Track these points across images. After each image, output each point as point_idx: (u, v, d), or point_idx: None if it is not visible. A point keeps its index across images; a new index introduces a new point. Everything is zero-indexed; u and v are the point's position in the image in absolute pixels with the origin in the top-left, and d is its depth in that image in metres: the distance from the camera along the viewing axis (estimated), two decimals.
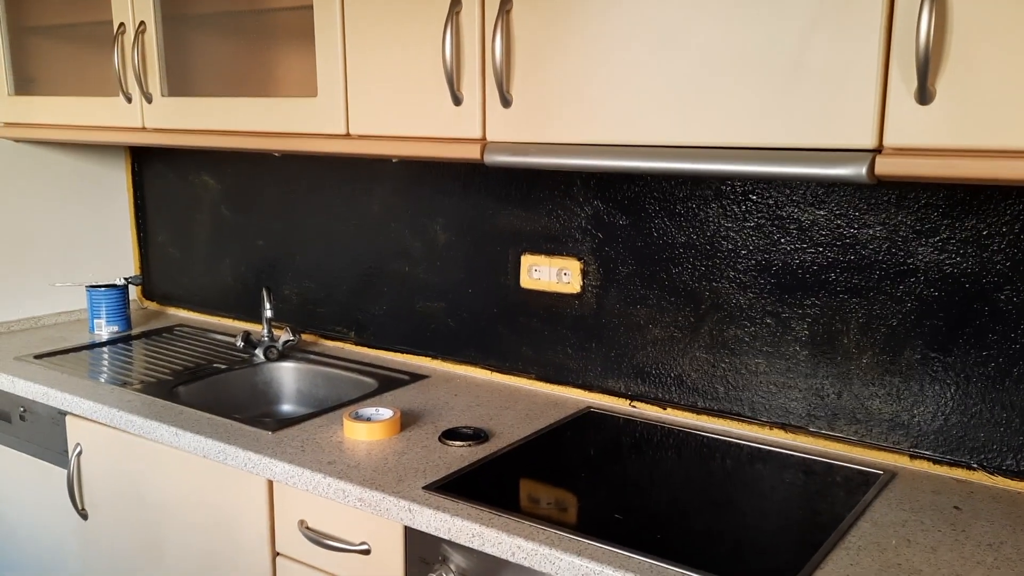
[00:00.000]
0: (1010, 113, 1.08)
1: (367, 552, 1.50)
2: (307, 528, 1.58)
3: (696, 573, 1.18)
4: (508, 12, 1.45)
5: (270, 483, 1.62)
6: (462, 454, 1.60)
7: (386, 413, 1.73)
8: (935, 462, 1.54)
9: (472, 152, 1.54)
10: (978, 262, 1.47)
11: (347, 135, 1.71)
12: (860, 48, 1.17)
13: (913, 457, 1.56)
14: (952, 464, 1.53)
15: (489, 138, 1.53)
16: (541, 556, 1.27)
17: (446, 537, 1.37)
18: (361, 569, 1.51)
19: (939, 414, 1.53)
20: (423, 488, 1.46)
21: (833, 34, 1.18)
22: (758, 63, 1.25)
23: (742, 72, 1.26)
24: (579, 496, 1.45)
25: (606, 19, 1.36)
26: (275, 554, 1.64)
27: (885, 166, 1.17)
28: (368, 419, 1.70)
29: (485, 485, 1.47)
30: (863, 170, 1.17)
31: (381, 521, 1.47)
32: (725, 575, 1.18)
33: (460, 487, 1.46)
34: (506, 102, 1.49)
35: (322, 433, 1.70)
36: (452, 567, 1.40)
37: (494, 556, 1.33)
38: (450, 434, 1.68)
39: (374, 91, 1.65)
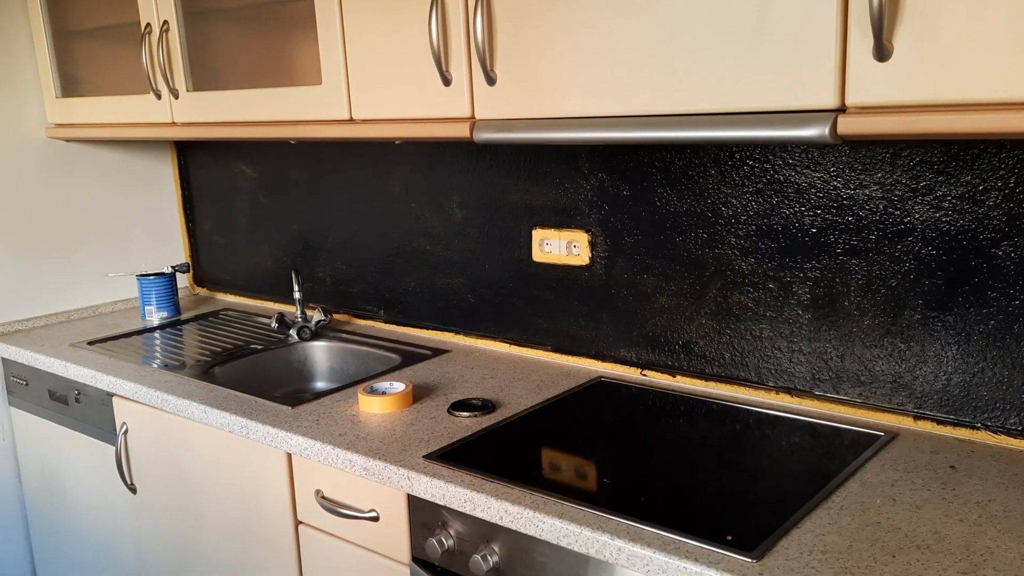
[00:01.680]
0: (965, 66, 1.06)
1: (376, 519, 1.57)
2: (323, 497, 1.65)
3: (669, 532, 1.21)
4: None
5: (289, 456, 1.70)
6: (467, 424, 1.66)
7: (399, 387, 1.79)
8: (939, 423, 1.53)
9: (463, 131, 1.58)
10: (974, 218, 1.44)
11: (351, 120, 1.77)
12: (819, 7, 1.16)
13: (917, 418, 1.55)
14: (955, 424, 1.51)
15: (477, 116, 1.56)
16: (526, 519, 1.31)
17: (441, 503, 1.43)
18: (371, 535, 1.58)
19: (941, 374, 1.51)
20: (423, 457, 1.52)
21: None
22: (722, 27, 1.25)
23: (707, 37, 1.27)
24: (574, 462, 1.49)
25: None
26: (297, 523, 1.73)
27: (847, 125, 1.16)
28: (383, 393, 1.77)
29: (484, 453, 1.52)
30: (826, 130, 1.17)
31: (386, 490, 1.53)
32: (700, 534, 1.21)
33: (459, 455, 1.51)
34: (490, 80, 1.52)
35: (338, 407, 1.78)
36: (451, 532, 1.45)
37: (486, 520, 1.38)
38: (458, 405, 1.73)
39: (373, 76, 1.71)
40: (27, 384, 2.40)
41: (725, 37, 1.25)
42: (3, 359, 2.47)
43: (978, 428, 1.49)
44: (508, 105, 1.52)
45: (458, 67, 1.56)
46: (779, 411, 1.66)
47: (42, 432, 2.39)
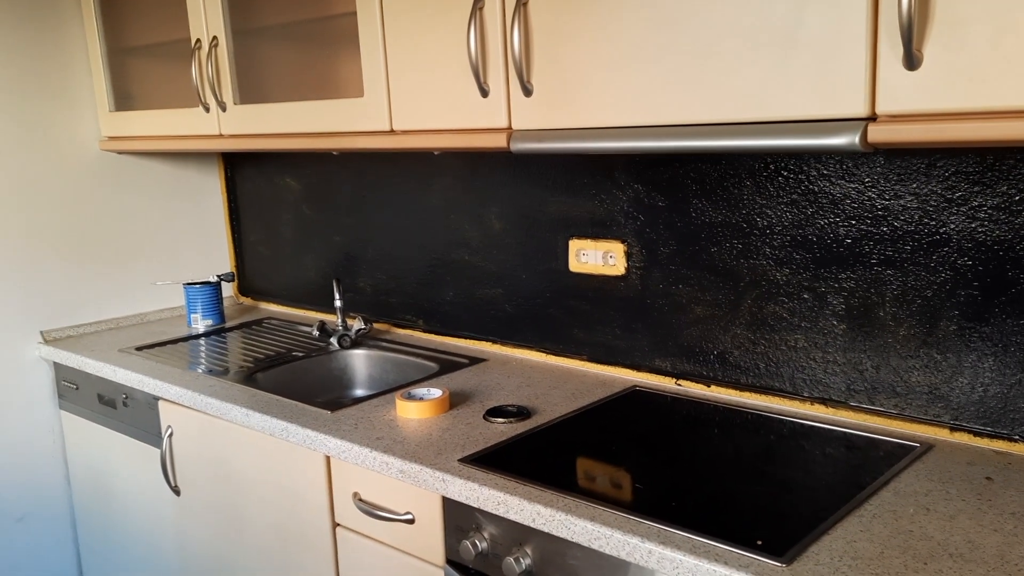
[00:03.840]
0: (993, 73, 1.07)
1: (411, 521, 1.59)
2: (360, 500, 1.69)
3: (699, 536, 1.22)
4: (525, 5, 1.52)
5: (327, 459, 1.74)
6: (502, 430, 1.68)
7: (436, 392, 1.82)
8: (976, 434, 1.52)
9: (500, 141, 1.62)
10: (1011, 228, 1.43)
11: (391, 131, 1.82)
12: (849, 17, 1.18)
13: (954, 430, 1.54)
14: (992, 436, 1.50)
15: (514, 127, 1.60)
16: (558, 522, 1.33)
17: (476, 506, 1.45)
18: (407, 537, 1.61)
19: (977, 385, 1.50)
20: (458, 460, 1.54)
21: (823, 5, 1.20)
22: (754, 39, 1.27)
23: (739, 49, 1.29)
24: (607, 469, 1.50)
25: (612, 4, 1.41)
26: (335, 525, 1.77)
27: (878, 133, 1.17)
28: (420, 399, 1.80)
29: (519, 458, 1.54)
30: (856, 139, 1.18)
31: (422, 492, 1.56)
32: (730, 539, 1.21)
33: (494, 460, 1.54)
34: (527, 91, 1.55)
35: (376, 412, 1.81)
36: (485, 535, 1.48)
37: (518, 523, 1.40)
38: (494, 411, 1.76)
39: (412, 88, 1.75)
40: (77, 388, 2.48)
41: (757, 48, 1.27)
42: (54, 364, 2.55)
43: (1016, 440, 1.48)
44: (544, 116, 1.55)
45: (495, 79, 1.60)
46: (814, 421, 1.66)
47: (90, 435, 2.46)
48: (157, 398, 2.17)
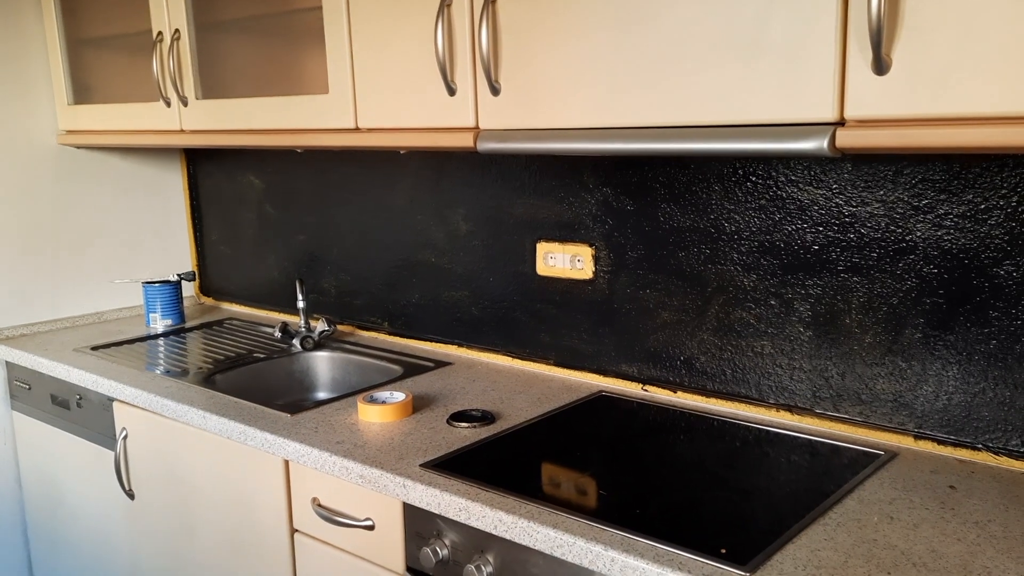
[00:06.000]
0: (962, 79, 1.06)
1: (371, 528, 1.56)
2: (319, 506, 1.65)
3: (664, 545, 1.20)
4: (493, 3, 1.50)
5: (286, 463, 1.70)
6: (466, 435, 1.65)
7: (398, 396, 1.79)
8: (940, 443, 1.52)
9: (466, 140, 1.59)
10: (976, 237, 1.43)
11: (356, 129, 1.79)
12: (818, 20, 1.17)
13: (918, 438, 1.54)
14: (956, 445, 1.50)
15: (481, 126, 1.57)
16: (520, 529, 1.31)
17: (437, 512, 1.42)
18: (367, 544, 1.57)
19: (942, 393, 1.50)
20: (420, 465, 1.51)
21: (792, 7, 1.19)
22: (721, 41, 1.26)
23: (706, 51, 1.27)
24: (571, 475, 1.48)
25: (580, 5, 1.39)
26: (293, 531, 1.72)
27: (846, 138, 1.16)
28: (383, 402, 1.76)
29: (482, 464, 1.52)
30: (824, 143, 1.17)
31: (383, 498, 1.53)
32: (694, 547, 1.20)
33: (457, 465, 1.51)
34: (495, 90, 1.53)
35: (338, 416, 1.78)
36: (446, 542, 1.45)
37: (480, 530, 1.37)
38: (458, 416, 1.73)
39: (379, 85, 1.72)
40: (30, 388, 2.41)
41: (724, 50, 1.25)
42: (7, 363, 2.48)
43: (979, 449, 1.48)
44: (512, 116, 1.52)
45: (463, 77, 1.57)
46: (779, 428, 1.65)
47: (43, 436, 2.39)
48: (111, 399, 2.11)
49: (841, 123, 1.18)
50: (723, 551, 1.19)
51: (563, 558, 1.26)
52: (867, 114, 1.15)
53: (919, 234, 1.49)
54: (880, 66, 1.11)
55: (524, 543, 1.30)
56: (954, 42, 1.07)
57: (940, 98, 1.08)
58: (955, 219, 1.45)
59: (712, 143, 1.26)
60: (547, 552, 1.28)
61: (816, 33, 1.17)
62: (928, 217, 1.48)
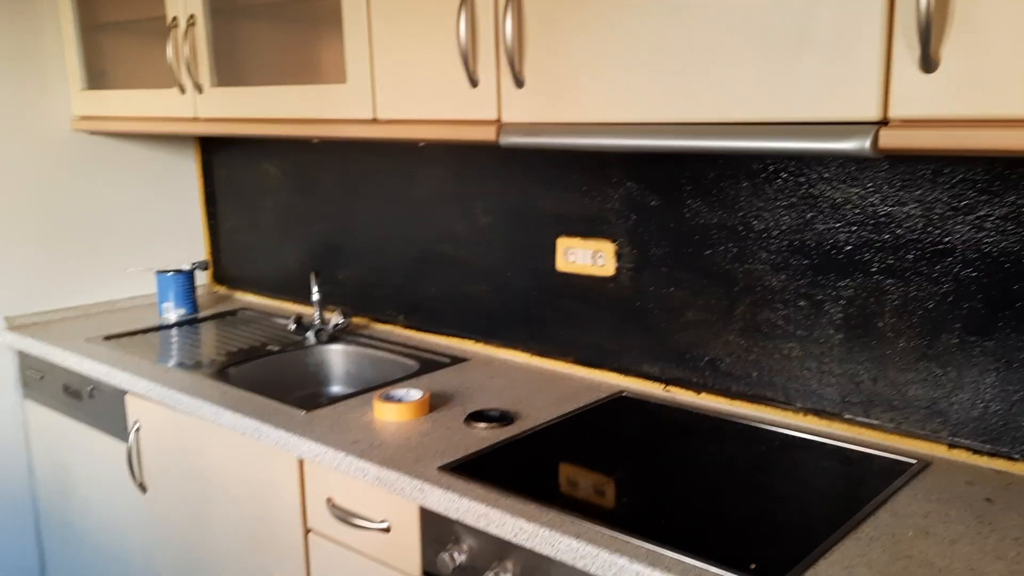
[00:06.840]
0: (1014, 80, 1.01)
1: (387, 530, 1.52)
2: (334, 505, 1.62)
3: (690, 558, 1.16)
4: None
5: (301, 461, 1.67)
6: (484, 436, 1.61)
7: (415, 394, 1.75)
8: (974, 452, 1.46)
9: (489, 134, 1.54)
10: (1018, 240, 1.38)
11: (374, 120, 1.74)
12: (863, 16, 1.11)
13: (952, 446, 1.49)
14: (992, 455, 1.45)
15: (504, 119, 1.52)
16: (541, 538, 1.27)
17: (455, 517, 1.38)
18: (382, 547, 1.54)
19: (978, 401, 1.45)
20: (438, 468, 1.47)
21: (836, 3, 1.13)
22: (762, 36, 1.20)
23: (746, 45, 1.22)
24: (593, 479, 1.44)
25: None
26: (307, 530, 1.69)
27: (889, 139, 1.11)
28: (399, 400, 1.73)
29: (501, 467, 1.48)
30: (867, 143, 1.12)
31: (399, 500, 1.49)
32: (722, 562, 1.15)
33: (475, 468, 1.47)
34: (519, 83, 1.48)
35: (353, 414, 1.74)
36: (464, 547, 1.41)
37: (499, 537, 1.34)
38: (476, 416, 1.69)
39: (398, 76, 1.67)
40: (42, 377, 2.39)
41: (765, 46, 1.20)
42: (20, 352, 2.46)
43: (1016, 459, 1.43)
44: (536, 109, 1.47)
45: (486, 68, 1.52)
46: (807, 433, 1.60)
47: (55, 426, 2.37)
48: (124, 391, 2.08)
49: (884, 122, 1.13)
50: (752, 566, 1.14)
51: (586, 569, 1.22)
52: (913, 113, 1.09)
53: (958, 236, 1.43)
54: (928, 64, 1.06)
55: (545, 552, 1.26)
56: (1008, 41, 1.01)
57: (992, 99, 1.03)
58: (996, 221, 1.39)
59: (749, 141, 1.21)
60: (569, 563, 1.24)
61: (861, 28, 1.11)
62: (968, 218, 1.42)
